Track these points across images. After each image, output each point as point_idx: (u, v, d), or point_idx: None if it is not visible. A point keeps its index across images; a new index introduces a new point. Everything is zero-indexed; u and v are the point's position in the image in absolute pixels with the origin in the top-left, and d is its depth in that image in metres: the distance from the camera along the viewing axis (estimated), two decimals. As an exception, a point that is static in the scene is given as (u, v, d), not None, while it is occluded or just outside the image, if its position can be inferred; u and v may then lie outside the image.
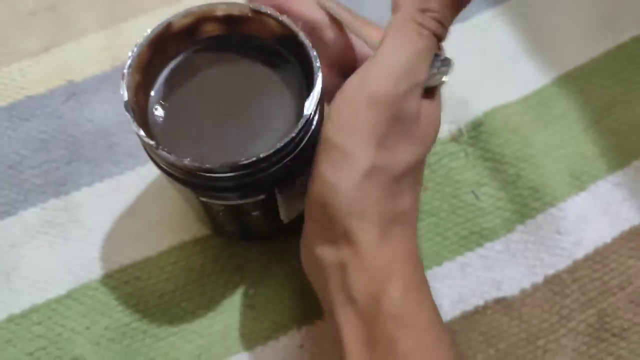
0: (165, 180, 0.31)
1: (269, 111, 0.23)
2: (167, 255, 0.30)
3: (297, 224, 0.30)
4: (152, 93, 0.23)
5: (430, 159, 0.32)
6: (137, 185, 0.32)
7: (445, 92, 0.34)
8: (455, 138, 0.33)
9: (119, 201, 0.31)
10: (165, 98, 0.23)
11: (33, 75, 0.35)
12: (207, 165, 0.20)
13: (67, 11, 0.37)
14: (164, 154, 0.20)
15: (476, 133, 0.33)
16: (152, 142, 0.20)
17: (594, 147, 0.33)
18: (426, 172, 0.32)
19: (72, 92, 0.34)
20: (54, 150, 0.32)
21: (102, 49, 0.35)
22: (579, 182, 0.32)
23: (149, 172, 0.32)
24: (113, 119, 0.33)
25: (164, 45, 0.23)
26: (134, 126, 0.20)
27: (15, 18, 0.36)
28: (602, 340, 0.29)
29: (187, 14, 0.23)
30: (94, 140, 0.33)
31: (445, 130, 0.33)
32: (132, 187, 0.32)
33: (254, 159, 0.20)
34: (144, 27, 0.36)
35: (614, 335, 0.29)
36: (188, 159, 0.20)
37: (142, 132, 0.20)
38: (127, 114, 0.21)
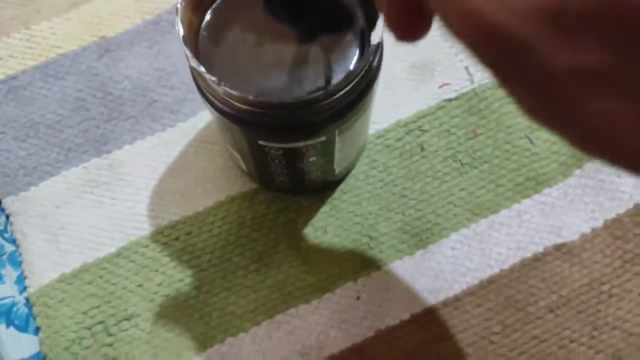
0: (208, 134, 0.30)
1: (325, 49, 0.22)
2: (215, 210, 0.29)
3: (343, 180, 0.29)
4: (202, 31, 0.22)
5: (480, 104, 0.31)
6: (179, 141, 0.31)
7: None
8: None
9: (162, 158, 0.30)
10: (217, 36, 0.22)
11: (64, 33, 0.33)
12: (275, 100, 0.19)
13: (93, -34, 0.35)
14: (228, 89, 0.19)
15: (528, 76, 0.32)
16: (214, 78, 0.19)
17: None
18: (475, 118, 0.31)
19: (106, 48, 0.33)
20: (92, 109, 0.31)
21: (131, 3, 0.34)
22: None
23: (191, 127, 0.31)
24: (150, 74, 0.32)
25: (215, -20, 0.22)
26: (194, 62, 0.19)
27: (41, -25, 0.35)
28: (668, 283, 0.28)
29: (238, -55, 0.21)
30: (132, 97, 0.32)
31: (495, 74, 0.32)
32: (174, 143, 0.31)
33: (322, 92, 0.19)
34: (174, -20, 0.34)
35: (681, 277, 0.28)
36: (253, 95, 0.19)
37: (202, 69, 0.19)
38: (185, 49, 0.19)
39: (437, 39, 0.33)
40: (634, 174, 0.13)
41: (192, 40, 0.21)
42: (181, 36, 0.20)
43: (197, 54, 0.21)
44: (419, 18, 0.16)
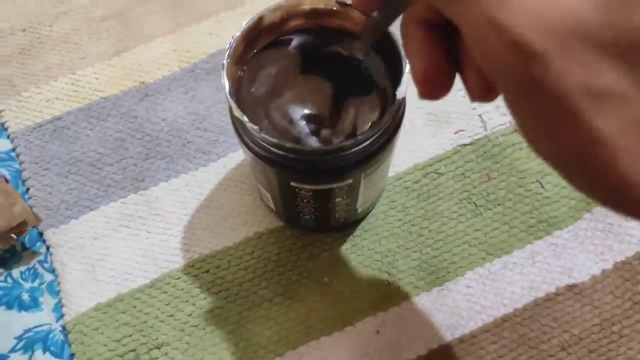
0: (238, 174, 0.32)
1: (352, 102, 0.24)
2: (244, 245, 0.31)
3: (364, 219, 0.31)
4: (241, 82, 0.24)
5: (493, 149, 0.33)
6: (210, 180, 0.33)
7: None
8: (517, 129, 0.34)
9: (194, 195, 0.32)
10: (256, 86, 0.24)
11: (107, 78, 0.36)
12: (309, 148, 0.21)
13: (134, 17, 0.38)
14: (267, 137, 0.21)
15: (538, 124, 0.34)
16: (255, 127, 0.21)
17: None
18: (489, 162, 0.33)
19: (145, 93, 0.35)
20: (130, 148, 0.34)
21: (169, 52, 0.37)
22: (643, 171, 0.33)
23: (222, 167, 0.33)
24: (185, 117, 0.35)
25: (255, 38, 0.24)
26: (237, 113, 0.22)
27: (87, 25, 0.38)
28: (677, 324, 0.29)
29: (277, 7, 0.24)
30: (168, 138, 0.34)
31: (507, 121, 0.34)
32: (206, 182, 0.33)
33: (352, 140, 0.21)
34: (207, 32, 0.38)
35: (689, 319, 0.29)
36: (289, 143, 0.21)
37: (245, 118, 0.21)
38: (229, 100, 0.22)
39: (453, 89, 0.35)
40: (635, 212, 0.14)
41: (234, 91, 0.24)
42: (227, 90, 0.22)
43: (238, 104, 0.24)
44: (444, 74, 0.18)
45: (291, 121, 0.23)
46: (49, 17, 0.38)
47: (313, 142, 0.23)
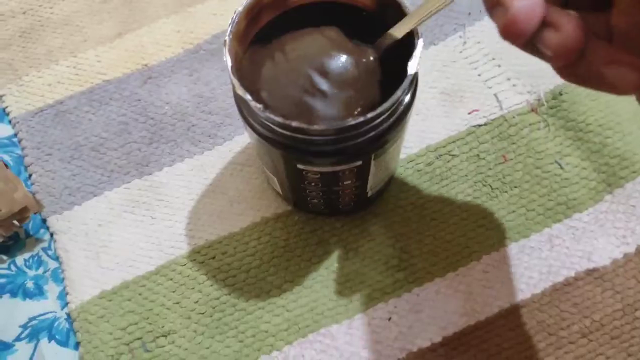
0: (244, 157, 0.31)
1: (361, 76, 0.23)
2: (250, 231, 0.30)
3: (375, 202, 0.30)
4: (244, 60, 0.23)
5: (510, 130, 0.32)
6: (216, 164, 0.32)
7: (521, 62, 0.33)
8: (534, 108, 0.32)
9: (200, 180, 0.32)
10: (258, 64, 0.23)
11: (109, 61, 0.35)
12: (316, 127, 0.20)
13: (137, -2, 0.37)
14: (272, 116, 0.20)
15: (556, 102, 0.32)
16: (259, 105, 0.20)
17: (679, 114, 0.32)
18: (505, 143, 0.32)
19: (148, 75, 0.34)
20: (134, 132, 0.33)
21: (172, 33, 0.36)
22: (668, 150, 0.31)
23: (227, 151, 0.32)
24: (190, 100, 0.34)
25: (259, 13, 0.23)
26: (240, 91, 0.20)
27: (88, 6, 0.37)
28: None
29: (281, -19, 0.23)
30: (172, 121, 0.33)
31: (524, 100, 0.32)
32: (212, 166, 0.32)
33: (362, 119, 0.20)
34: (212, 12, 0.36)
35: None
36: (296, 122, 0.20)
37: (249, 97, 0.20)
38: (232, 78, 0.21)
39: (467, 67, 0.33)
40: None
41: (237, 69, 0.23)
42: (229, 67, 0.21)
43: (241, 83, 0.22)
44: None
45: (296, 97, 0.22)
46: (49, -1, 0.37)
47: (321, 122, 0.22)
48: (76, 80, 0.35)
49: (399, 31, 0.22)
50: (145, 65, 0.35)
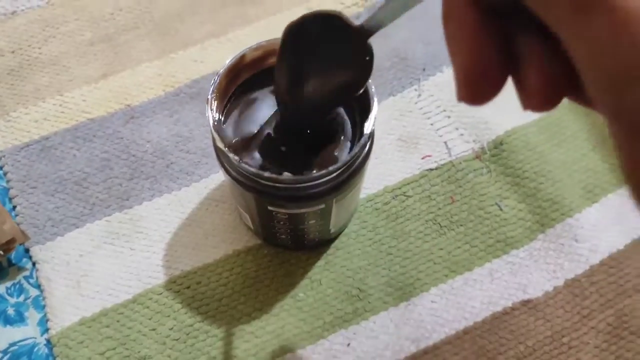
0: (219, 194, 0.34)
1: (325, 135, 0.26)
2: (223, 262, 0.33)
3: (337, 238, 0.33)
4: (225, 114, 0.27)
5: (457, 174, 0.36)
6: (192, 200, 0.35)
7: (468, 114, 0.38)
8: (478, 156, 0.37)
9: (177, 214, 0.34)
10: (237, 118, 0.26)
11: (94, 100, 0.38)
12: (284, 178, 0.23)
13: (122, 42, 0.40)
14: (247, 167, 0.23)
15: (498, 151, 0.37)
16: (237, 158, 0.23)
17: (602, 163, 0.37)
18: (453, 186, 0.36)
19: (131, 115, 0.37)
20: (116, 168, 0.35)
21: (155, 76, 0.39)
22: (592, 195, 0.36)
23: (204, 187, 0.35)
24: (169, 139, 0.36)
25: (237, 73, 0.26)
26: (220, 144, 0.24)
27: (75, 48, 0.40)
28: (621, 338, 0.32)
29: (257, 47, 0.26)
30: (152, 159, 0.36)
31: (469, 148, 0.37)
32: (189, 201, 0.35)
33: (325, 171, 0.23)
34: (192, 58, 0.40)
35: (632, 333, 0.32)
36: (267, 172, 0.23)
37: (226, 149, 0.23)
38: (213, 133, 0.24)
39: (421, 117, 0.38)
40: None
41: (217, 123, 0.26)
42: (212, 123, 0.24)
43: (220, 137, 0.26)
44: (496, 72, 0.14)
45: (264, 152, 0.26)
46: (38, 40, 0.40)
47: (288, 170, 0.25)
48: (62, 117, 0.37)
49: (382, 14, 0.19)
50: (128, 105, 0.38)
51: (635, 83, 0.11)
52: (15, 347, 0.31)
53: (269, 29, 0.40)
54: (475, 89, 0.15)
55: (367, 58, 0.21)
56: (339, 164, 0.23)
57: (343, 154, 0.26)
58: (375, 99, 0.25)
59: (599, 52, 0.12)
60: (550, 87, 0.14)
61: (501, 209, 0.35)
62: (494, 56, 0.14)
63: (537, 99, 0.15)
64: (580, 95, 0.15)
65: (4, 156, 0.36)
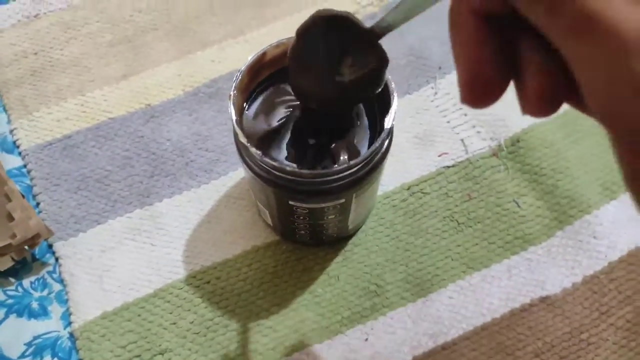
0: (238, 191, 0.35)
1: (345, 128, 0.27)
2: (242, 258, 0.33)
3: (355, 234, 0.34)
4: (246, 111, 0.27)
5: (474, 171, 0.36)
6: (212, 197, 0.35)
7: (484, 112, 0.38)
8: (495, 153, 0.37)
9: (196, 211, 0.35)
10: (257, 114, 0.27)
11: (114, 100, 0.39)
12: (306, 172, 0.24)
13: (142, 43, 0.41)
14: (270, 161, 0.24)
15: (515, 148, 0.37)
16: (259, 152, 0.24)
17: (621, 160, 0.36)
18: (470, 183, 0.36)
19: (151, 114, 0.38)
20: (137, 166, 0.36)
21: (174, 77, 0.39)
22: (610, 192, 0.36)
23: (222, 185, 0.35)
24: (189, 138, 0.37)
25: (259, 70, 0.27)
26: (244, 140, 0.24)
27: (96, 49, 0.41)
28: (640, 334, 0.32)
29: (278, 44, 0.27)
30: (172, 157, 0.36)
31: (486, 146, 0.37)
32: (208, 198, 0.35)
33: (346, 165, 0.24)
34: (210, 58, 0.40)
35: (651, 329, 0.32)
36: (289, 167, 0.24)
37: (249, 144, 0.24)
38: (235, 128, 0.24)
39: (437, 115, 0.38)
40: None
41: (239, 119, 0.26)
42: (234, 119, 0.24)
43: (242, 130, 0.26)
44: (497, 76, 0.15)
45: (289, 144, 0.26)
46: (60, 42, 0.41)
47: (309, 165, 0.26)
48: (83, 117, 0.38)
49: (391, 17, 0.20)
50: (148, 105, 0.38)
51: (635, 103, 0.12)
52: (39, 340, 0.32)
53: (286, 29, 0.41)
54: (477, 92, 0.15)
55: (379, 59, 0.21)
56: (359, 159, 0.24)
57: (363, 149, 0.26)
58: (395, 95, 0.25)
59: (596, 72, 0.12)
60: (549, 93, 0.15)
61: (519, 206, 0.35)
62: (495, 62, 0.15)
63: (536, 104, 0.15)
64: (579, 101, 0.15)
65: (27, 154, 0.37)
